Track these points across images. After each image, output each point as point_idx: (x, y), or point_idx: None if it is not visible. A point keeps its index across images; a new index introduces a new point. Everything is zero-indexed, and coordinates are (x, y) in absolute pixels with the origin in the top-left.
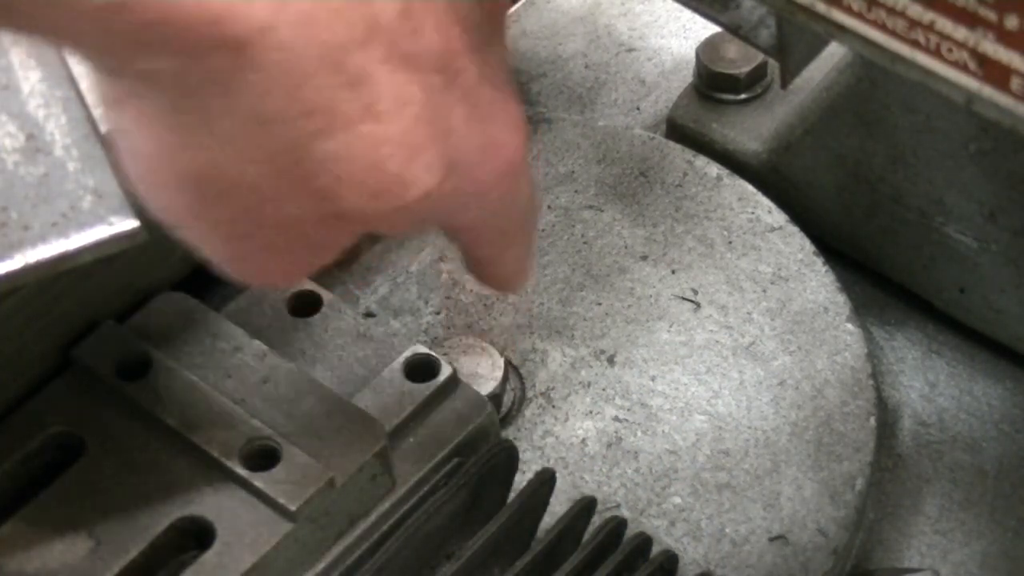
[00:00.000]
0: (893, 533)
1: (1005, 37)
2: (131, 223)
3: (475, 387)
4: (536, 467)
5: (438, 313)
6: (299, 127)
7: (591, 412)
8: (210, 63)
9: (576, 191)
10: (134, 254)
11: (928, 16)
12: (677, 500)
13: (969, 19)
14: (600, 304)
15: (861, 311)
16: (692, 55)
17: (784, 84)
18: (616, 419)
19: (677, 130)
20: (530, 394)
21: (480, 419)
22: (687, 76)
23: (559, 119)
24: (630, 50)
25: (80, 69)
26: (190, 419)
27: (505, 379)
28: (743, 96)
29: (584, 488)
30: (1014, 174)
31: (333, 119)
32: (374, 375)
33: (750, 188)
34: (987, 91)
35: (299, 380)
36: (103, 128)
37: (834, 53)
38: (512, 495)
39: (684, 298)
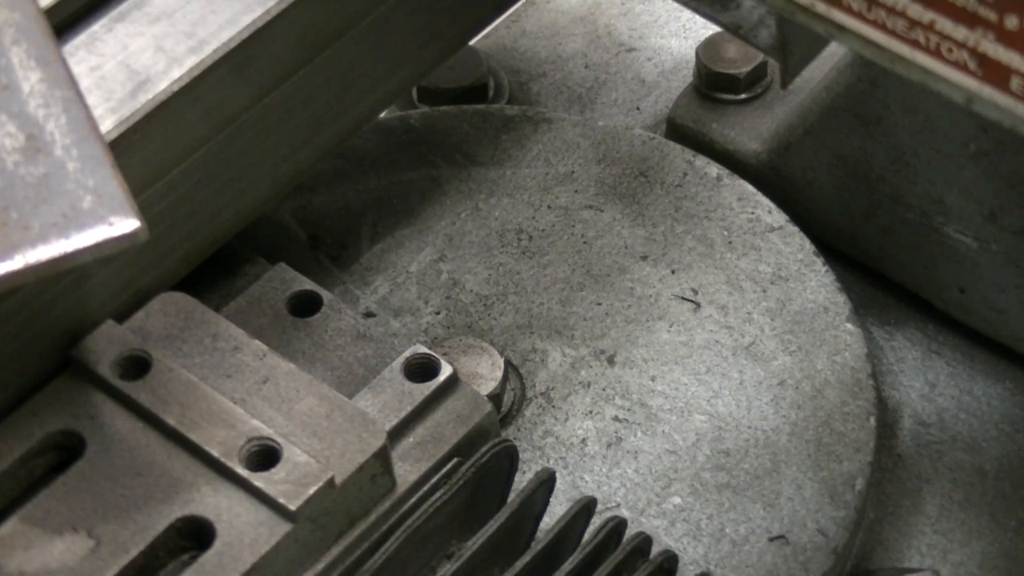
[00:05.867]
0: (893, 533)
1: (1005, 37)
2: (131, 223)
3: (475, 387)
4: (536, 467)
5: (438, 313)
6: None
7: (591, 412)
8: None
9: (576, 191)
10: (134, 254)
11: (928, 16)
12: (677, 500)
13: (969, 19)
14: (600, 304)
15: (861, 311)
16: (692, 55)
17: (784, 84)
18: (616, 419)
19: (677, 130)
20: (530, 394)
21: (480, 419)
22: (687, 76)
23: (559, 119)
24: (630, 50)
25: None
26: (190, 419)
27: (505, 379)
28: (743, 96)
29: (584, 488)
30: (1014, 174)
31: None
32: (374, 375)
33: (750, 188)
34: (987, 91)
35: (299, 380)
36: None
37: (834, 53)
38: (512, 495)
39: (684, 298)
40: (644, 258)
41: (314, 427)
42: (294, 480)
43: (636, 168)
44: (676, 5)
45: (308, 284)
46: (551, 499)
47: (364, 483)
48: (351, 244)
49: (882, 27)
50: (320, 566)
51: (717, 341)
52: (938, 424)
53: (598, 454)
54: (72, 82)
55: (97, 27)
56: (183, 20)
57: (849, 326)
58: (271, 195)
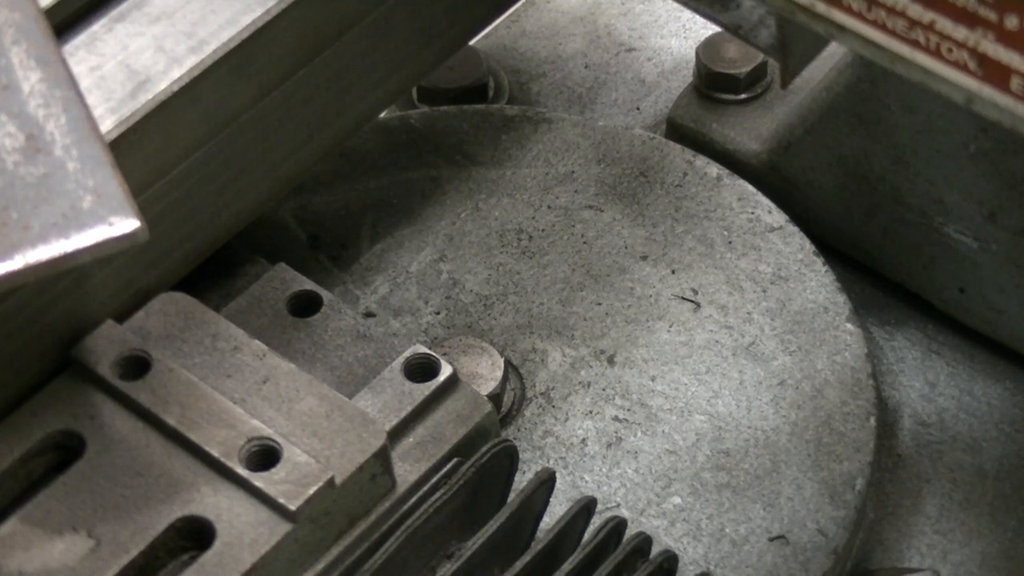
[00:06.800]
0: (893, 533)
1: (1005, 37)
2: (131, 223)
3: (475, 387)
4: (536, 467)
5: (438, 313)
6: None
7: (591, 412)
8: None
9: (576, 191)
10: (134, 254)
11: (928, 16)
12: (677, 500)
13: (969, 19)
14: (600, 304)
15: (861, 311)
16: (692, 55)
17: (784, 84)
18: (616, 419)
19: (677, 130)
20: (530, 394)
21: (480, 419)
22: (687, 76)
23: (559, 119)
24: (630, 50)
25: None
26: (190, 419)
27: (505, 379)
28: (743, 96)
29: (584, 488)
30: (1014, 174)
31: None
32: (374, 375)
33: (750, 188)
34: (987, 91)
35: (299, 380)
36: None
37: (834, 53)
38: (512, 495)
39: (684, 298)
40: (644, 258)
41: (314, 427)
42: (294, 480)
43: (636, 168)
44: (676, 5)
45: (308, 284)
46: (551, 499)
47: (364, 483)
48: (351, 244)
49: (882, 27)
50: (320, 566)
51: (717, 341)
52: (938, 424)
53: (598, 454)
54: (72, 82)
55: (97, 27)
56: (183, 20)
57: (849, 326)
58: (271, 195)
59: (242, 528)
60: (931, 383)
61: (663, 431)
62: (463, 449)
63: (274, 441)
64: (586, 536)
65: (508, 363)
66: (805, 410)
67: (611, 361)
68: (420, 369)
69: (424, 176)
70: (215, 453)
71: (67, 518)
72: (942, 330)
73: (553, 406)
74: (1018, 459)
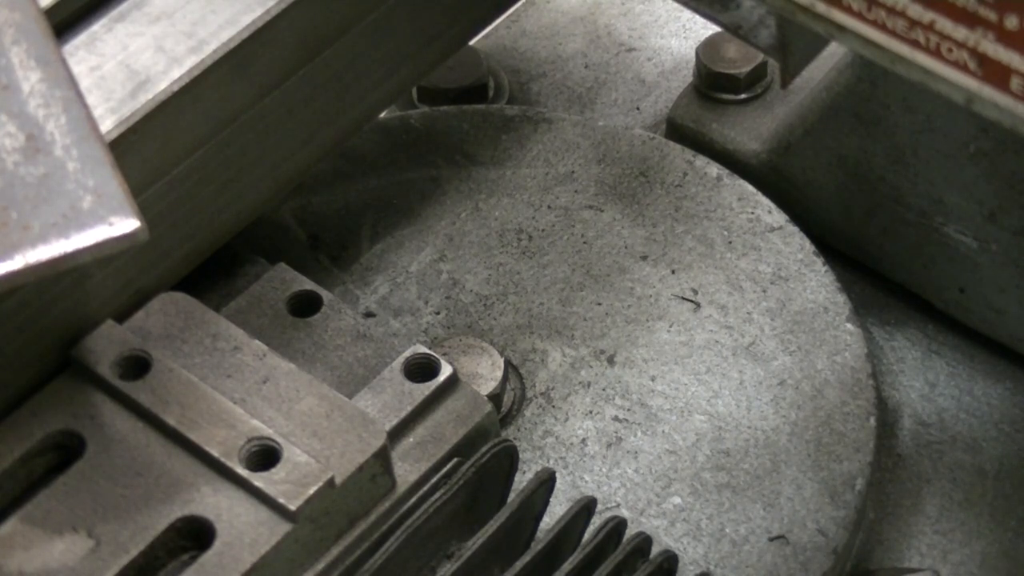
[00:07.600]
0: (893, 533)
1: (1005, 37)
2: (131, 223)
3: (475, 387)
4: (536, 467)
5: (438, 313)
6: None
7: (591, 412)
8: None
9: (576, 191)
10: (134, 254)
11: (928, 16)
12: (677, 500)
13: (969, 19)
14: (600, 304)
15: (861, 311)
16: (692, 55)
17: (784, 84)
18: (616, 419)
19: (677, 130)
20: (530, 394)
21: (480, 419)
22: (687, 76)
23: (559, 119)
24: (630, 50)
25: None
26: (190, 419)
27: (505, 379)
28: (743, 96)
29: (584, 488)
30: (1014, 174)
31: None
32: (374, 375)
33: (750, 188)
34: (987, 91)
35: (299, 380)
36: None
37: (834, 53)
38: (512, 495)
39: (684, 298)
40: (644, 258)
41: (314, 427)
42: (294, 480)
43: (636, 168)
44: (676, 5)
45: (308, 284)
46: (551, 499)
47: (364, 483)
48: (351, 244)
49: (882, 27)
50: (320, 566)
51: (717, 341)
52: (938, 424)
53: (598, 454)
54: (72, 82)
55: (97, 27)
56: (183, 20)
57: (849, 326)
58: (271, 195)
59: (242, 528)
60: (931, 383)
61: (663, 431)
62: (463, 449)
63: (274, 441)
64: (586, 536)
65: (508, 363)
66: (805, 410)
67: (611, 361)
68: (420, 369)
69: (424, 176)
70: (215, 453)
71: (67, 518)
72: (942, 330)
73: (553, 406)
74: (1018, 459)
